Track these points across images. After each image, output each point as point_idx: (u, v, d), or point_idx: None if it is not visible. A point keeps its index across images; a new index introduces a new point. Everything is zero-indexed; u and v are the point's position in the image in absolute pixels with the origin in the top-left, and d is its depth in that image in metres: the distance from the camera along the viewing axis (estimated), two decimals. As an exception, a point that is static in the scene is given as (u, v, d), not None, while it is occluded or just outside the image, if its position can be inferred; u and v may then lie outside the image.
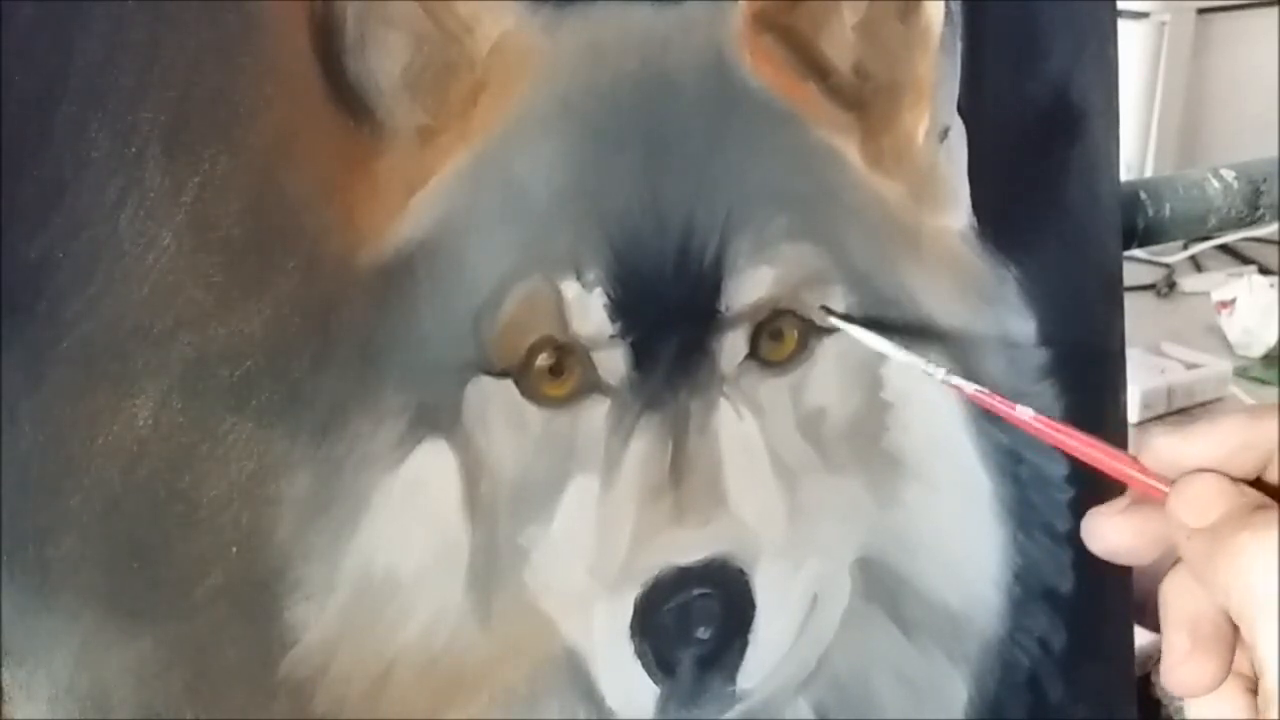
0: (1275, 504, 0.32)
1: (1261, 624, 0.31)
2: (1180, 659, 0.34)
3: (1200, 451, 0.34)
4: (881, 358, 0.45)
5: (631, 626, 0.42)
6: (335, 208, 0.37)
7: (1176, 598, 0.35)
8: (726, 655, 0.43)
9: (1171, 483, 0.34)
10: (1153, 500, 0.35)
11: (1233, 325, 1.38)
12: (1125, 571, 0.49)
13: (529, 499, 0.41)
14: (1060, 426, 0.37)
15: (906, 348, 0.45)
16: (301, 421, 0.37)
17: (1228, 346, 1.38)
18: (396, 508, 0.38)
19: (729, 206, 0.41)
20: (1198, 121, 1.69)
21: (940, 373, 0.40)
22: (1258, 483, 0.34)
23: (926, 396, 0.45)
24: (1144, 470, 0.35)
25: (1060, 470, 0.48)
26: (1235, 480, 0.33)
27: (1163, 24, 1.63)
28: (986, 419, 0.47)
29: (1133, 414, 1.11)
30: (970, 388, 0.39)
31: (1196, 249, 1.58)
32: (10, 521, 0.34)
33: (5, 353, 0.34)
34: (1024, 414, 0.38)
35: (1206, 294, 1.45)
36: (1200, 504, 0.33)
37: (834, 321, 0.42)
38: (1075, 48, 0.48)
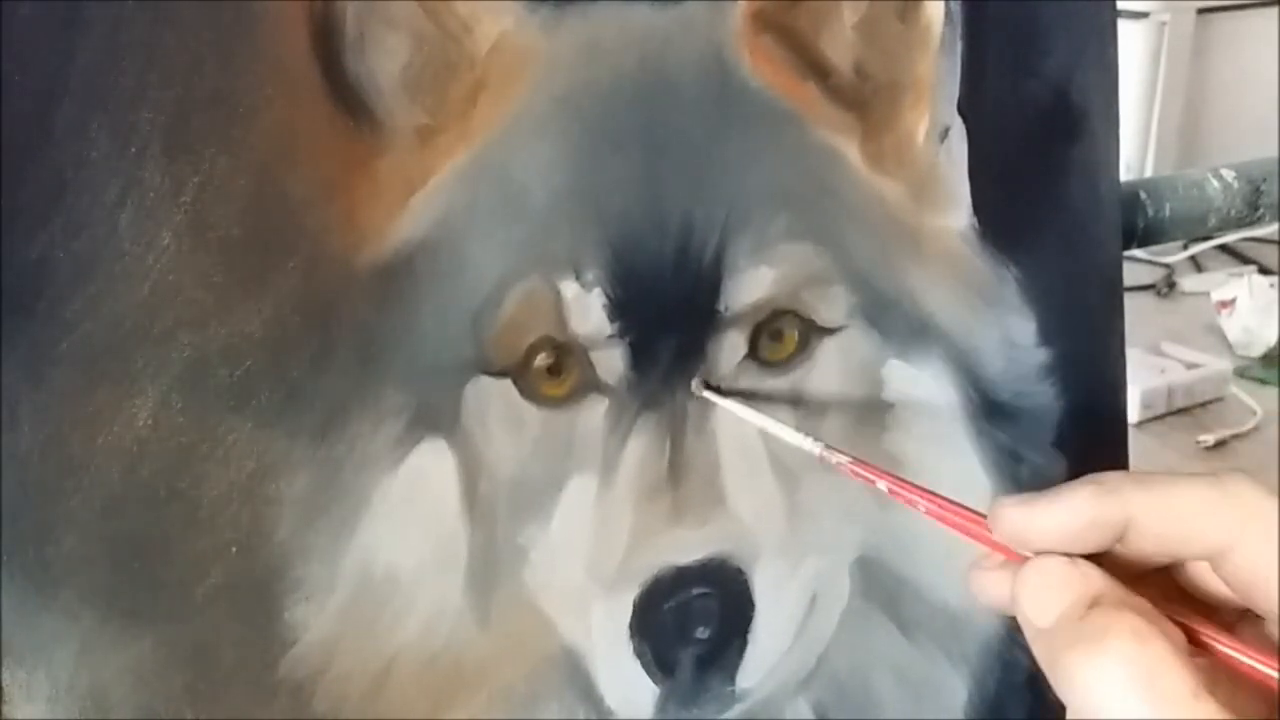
0: (1115, 601, 0.30)
1: None
2: None
3: (1047, 526, 0.32)
4: (883, 357, 0.45)
5: (630, 626, 0.42)
6: (335, 207, 0.37)
7: None
8: (725, 655, 0.43)
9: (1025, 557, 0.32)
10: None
11: (1233, 325, 1.38)
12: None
13: (528, 498, 0.41)
14: (923, 492, 0.35)
15: (905, 349, 0.45)
16: (301, 421, 0.37)
17: (1228, 346, 1.38)
18: (396, 507, 0.38)
19: (728, 206, 0.41)
20: (1198, 121, 1.70)
21: (819, 447, 0.39)
22: (1107, 557, 0.31)
23: (928, 397, 0.45)
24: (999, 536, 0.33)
25: (1060, 471, 0.48)
26: (1078, 560, 0.31)
27: (1163, 24, 1.63)
28: (986, 420, 0.47)
29: (1133, 414, 1.11)
30: (844, 460, 0.38)
31: (1196, 249, 1.59)
32: (10, 521, 0.34)
33: (5, 353, 0.34)
34: (883, 487, 0.37)
35: (1206, 294, 1.45)
36: (1039, 600, 0.31)
37: (709, 396, 0.42)
38: (1075, 48, 0.48)
